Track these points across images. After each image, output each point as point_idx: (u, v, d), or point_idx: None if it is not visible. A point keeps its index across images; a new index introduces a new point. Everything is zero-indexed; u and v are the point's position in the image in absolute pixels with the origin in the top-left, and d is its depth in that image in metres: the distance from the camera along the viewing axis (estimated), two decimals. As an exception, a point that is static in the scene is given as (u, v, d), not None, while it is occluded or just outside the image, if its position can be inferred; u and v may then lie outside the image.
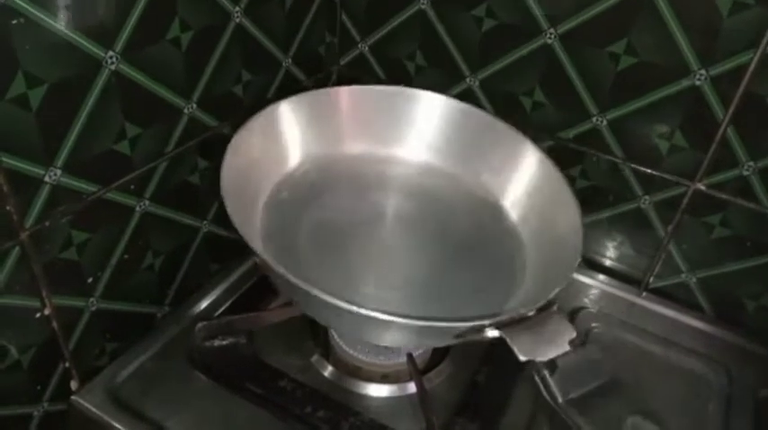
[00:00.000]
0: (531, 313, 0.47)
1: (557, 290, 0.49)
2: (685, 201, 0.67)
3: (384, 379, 0.61)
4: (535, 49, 0.66)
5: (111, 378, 0.58)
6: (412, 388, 0.59)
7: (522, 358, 0.45)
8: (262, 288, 0.68)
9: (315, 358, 0.62)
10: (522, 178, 0.64)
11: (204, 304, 0.67)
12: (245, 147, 0.57)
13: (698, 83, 0.60)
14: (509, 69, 0.69)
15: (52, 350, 0.55)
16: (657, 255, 0.72)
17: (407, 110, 0.68)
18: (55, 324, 0.54)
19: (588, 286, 0.75)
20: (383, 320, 0.46)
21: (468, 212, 0.65)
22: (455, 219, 0.64)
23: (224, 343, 0.61)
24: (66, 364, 0.57)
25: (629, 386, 0.48)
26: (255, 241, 0.53)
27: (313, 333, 0.65)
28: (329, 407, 0.57)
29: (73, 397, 0.57)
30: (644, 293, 0.74)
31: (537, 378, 0.47)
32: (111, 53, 0.49)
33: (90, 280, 0.56)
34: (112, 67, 0.50)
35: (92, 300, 0.57)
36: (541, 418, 0.47)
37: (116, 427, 0.54)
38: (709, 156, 0.63)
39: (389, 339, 0.53)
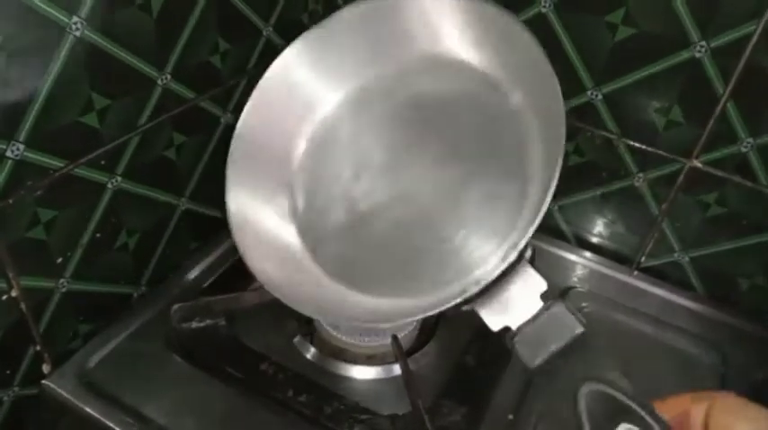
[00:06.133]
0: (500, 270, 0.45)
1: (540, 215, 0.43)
2: (681, 178, 0.65)
3: (368, 360, 0.60)
4: (529, 19, 0.63)
5: (85, 361, 0.56)
6: (397, 370, 0.58)
7: (495, 328, 0.45)
8: (243, 267, 0.65)
9: (297, 340, 0.61)
10: (515, 59, 0.53)
11: (183, 284, 0.65)
12: (259, 114, 0.55)
13: (698, 55, 0.58)
14: (501, 40, 0.66)
15: (21, 333, 0.53)
16: (650, 234, 0.70)
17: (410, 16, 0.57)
18: (23, 306, 0.52)
19: (578, 265, 0.73)
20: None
21: (473, 104, 0.56)
22: (464, 119, 0.57)
23: (202, 325, 0.59)
24: (37, 347, 0.55)
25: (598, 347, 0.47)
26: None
27: (295, 313, 0.62)
28: (312, 391, 0.56)
29: (44, 381, 0.55)
30: (635, 272, 0.73)
31: (509, 345, 0.45)
32: (75, 18, 0.46)
33: (59, 260, 0.53)
34: (77, 34, 0.47)
35: (62, 280, 0.54)
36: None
37: (88, 412, 0.52)
38: (707, 132, 0.61)
39: None
